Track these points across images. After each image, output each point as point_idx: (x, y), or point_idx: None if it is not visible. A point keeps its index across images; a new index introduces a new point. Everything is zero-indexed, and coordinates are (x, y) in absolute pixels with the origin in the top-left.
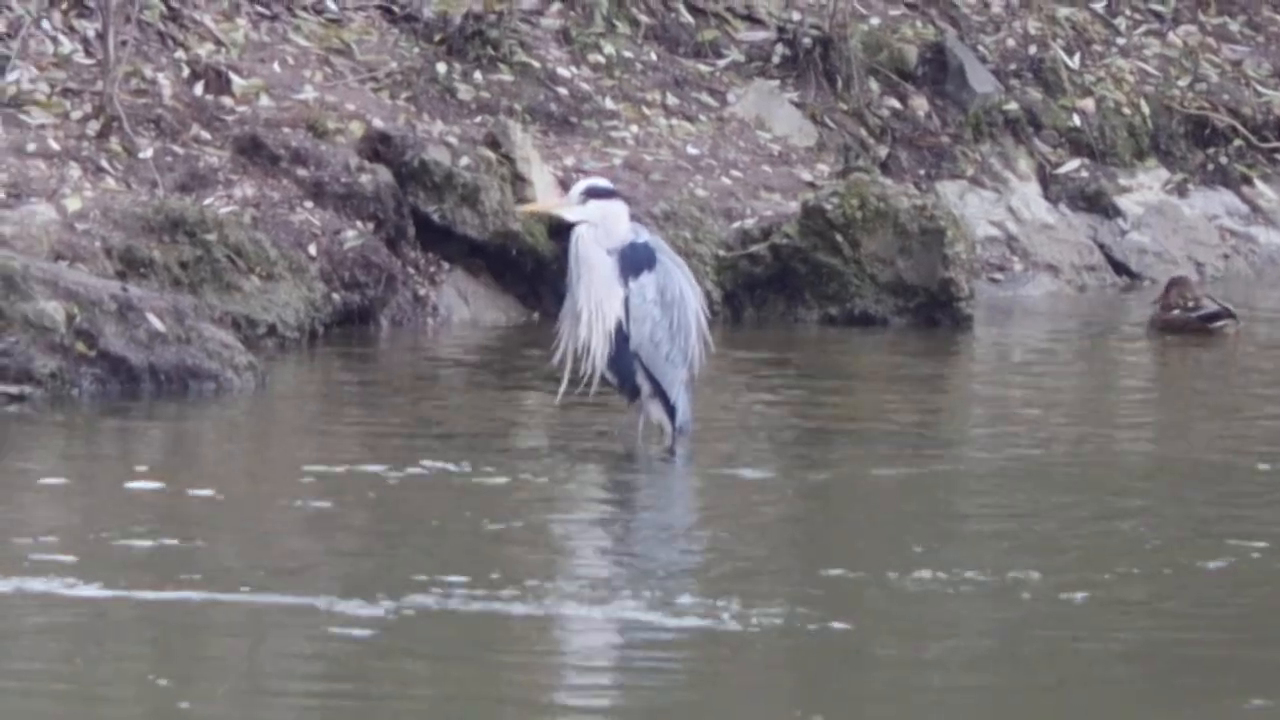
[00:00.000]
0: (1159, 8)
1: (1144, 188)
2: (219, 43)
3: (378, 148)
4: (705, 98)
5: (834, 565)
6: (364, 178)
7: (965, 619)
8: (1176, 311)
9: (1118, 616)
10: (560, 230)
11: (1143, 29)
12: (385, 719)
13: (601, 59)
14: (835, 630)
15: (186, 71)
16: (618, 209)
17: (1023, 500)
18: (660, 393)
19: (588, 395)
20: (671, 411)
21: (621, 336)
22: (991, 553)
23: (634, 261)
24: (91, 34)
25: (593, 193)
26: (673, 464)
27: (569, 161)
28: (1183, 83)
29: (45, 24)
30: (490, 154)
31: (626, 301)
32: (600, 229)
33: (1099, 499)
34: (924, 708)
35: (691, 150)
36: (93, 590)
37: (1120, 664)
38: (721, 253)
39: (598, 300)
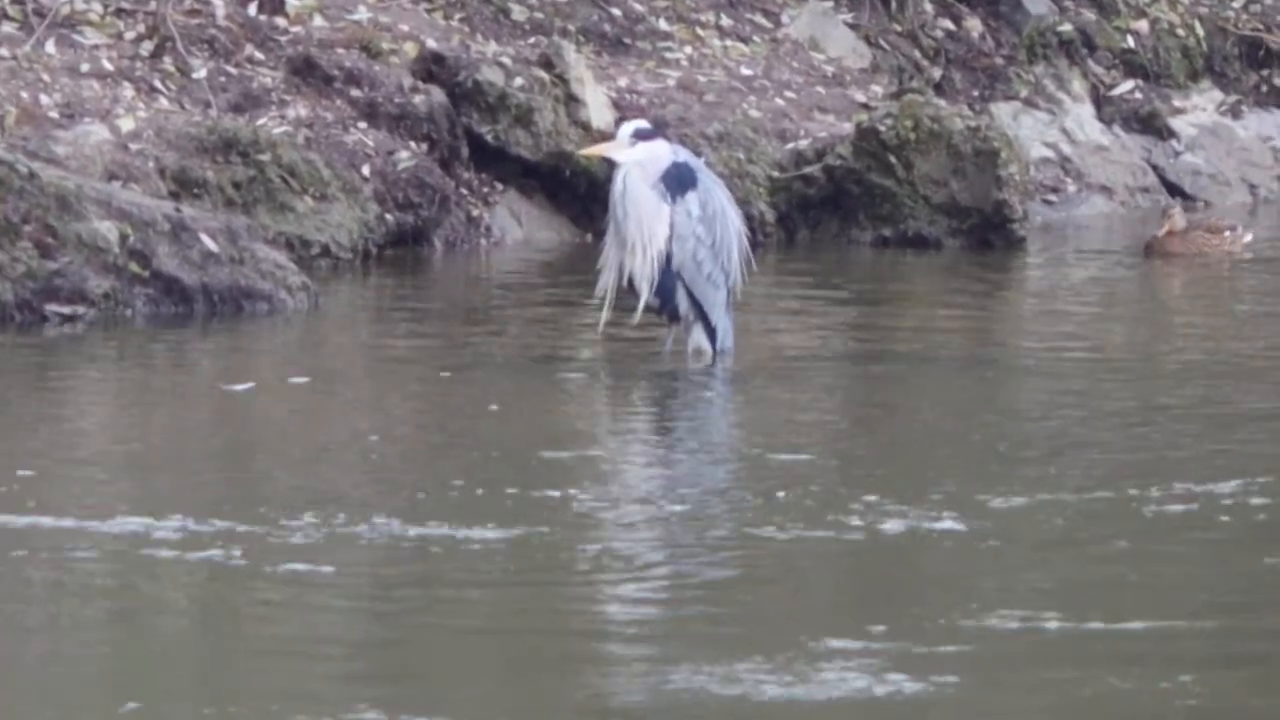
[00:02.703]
0: None
1: (1197, 109)
2: None
3: (431, 68)
4: (759, 19)
5: (872, 487)
6: (417, 98)
7: (1003, 535)
8: (1229, 233)
9: (1163, 536)
10: None
11: None
12: (425, 639)
13: None
14: (881, 544)
15: None
16: (660, 148)
17: (1075, 422)
18: (702, 315)
19: (631, 322)
20: (713, 334)
21: (664, 257)
22: (1035, 474)
23: (678, 180)
24: None
25: (640, 134)
26: (718, 385)
27: (622, 82)
28: (1237, 3)
29: None
30: (544, 75)
31: (671, 220)
32: (646, 166)
33: (1155, 423)
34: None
35: (745, 71)
36: (139, 522)
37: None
38: (775, 174)
39: (649, 228)
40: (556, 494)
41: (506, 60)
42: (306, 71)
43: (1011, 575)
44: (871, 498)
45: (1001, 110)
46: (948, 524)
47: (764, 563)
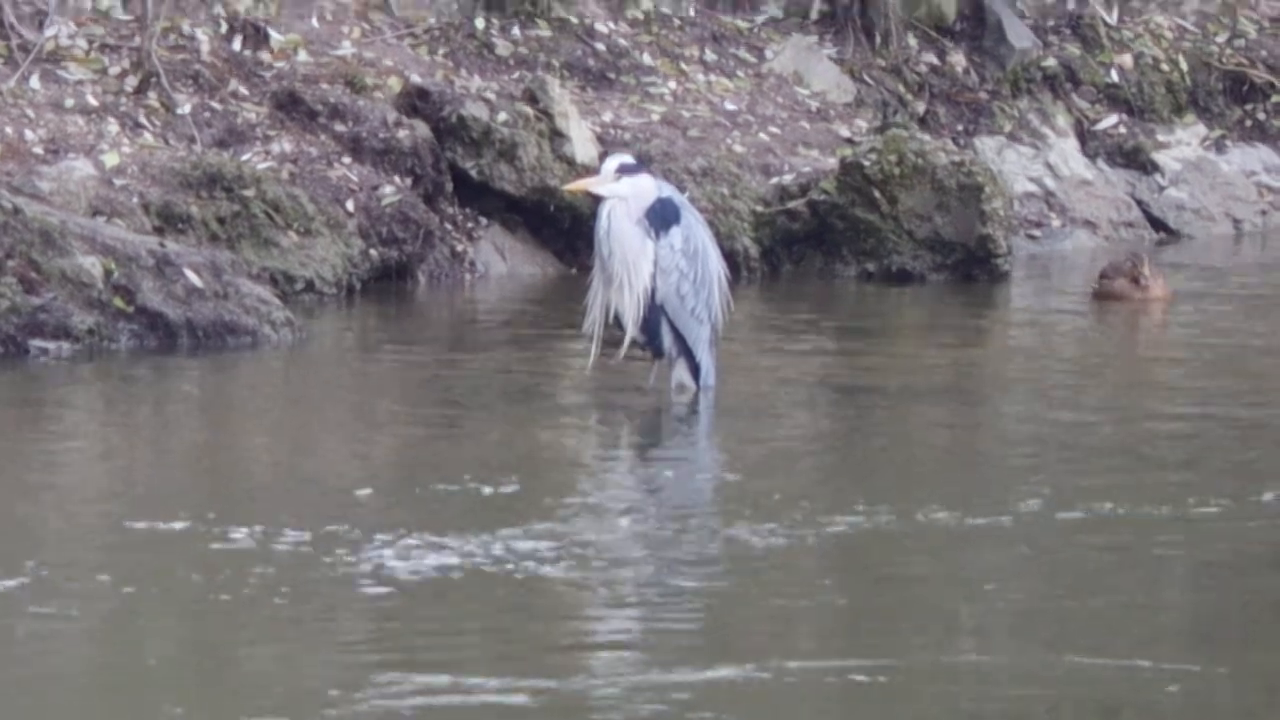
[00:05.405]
0: None
1: (1182, 144)
2: None
3: (416, 103)
4: (743, 53)
5: (854, 509)
6: (402, 133)
7: (970, 555)
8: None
9: (1130, 561)
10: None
11: None
12: (433, 651)
13: (639, 14)
14: (855, 569)
15: (224, 26)
16: (645, 183)
17: (1054, 456)
18: (686, 350)
19: (619, 359)
20: (696, 370)
21: (649, 293)
22: (1015, 497)
23: (662, 216)
24: None
25: (624, 169)
26: (700, 418)
27: (607, 117)
28: (1221, 38)
29: None
30: (528, 109)
31: (655, 256)
32: (631, 202)
33: (1134, 459)
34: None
35: (729, 106)
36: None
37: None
38: (759, 209)
39: (634, 264)
40: (533, 525)
41: (491, 95)
42: (291, 106)
43: (982, 603)
44: (848, 529)
45: (986, 145)
46: (925, 556)
47: (735, 589)
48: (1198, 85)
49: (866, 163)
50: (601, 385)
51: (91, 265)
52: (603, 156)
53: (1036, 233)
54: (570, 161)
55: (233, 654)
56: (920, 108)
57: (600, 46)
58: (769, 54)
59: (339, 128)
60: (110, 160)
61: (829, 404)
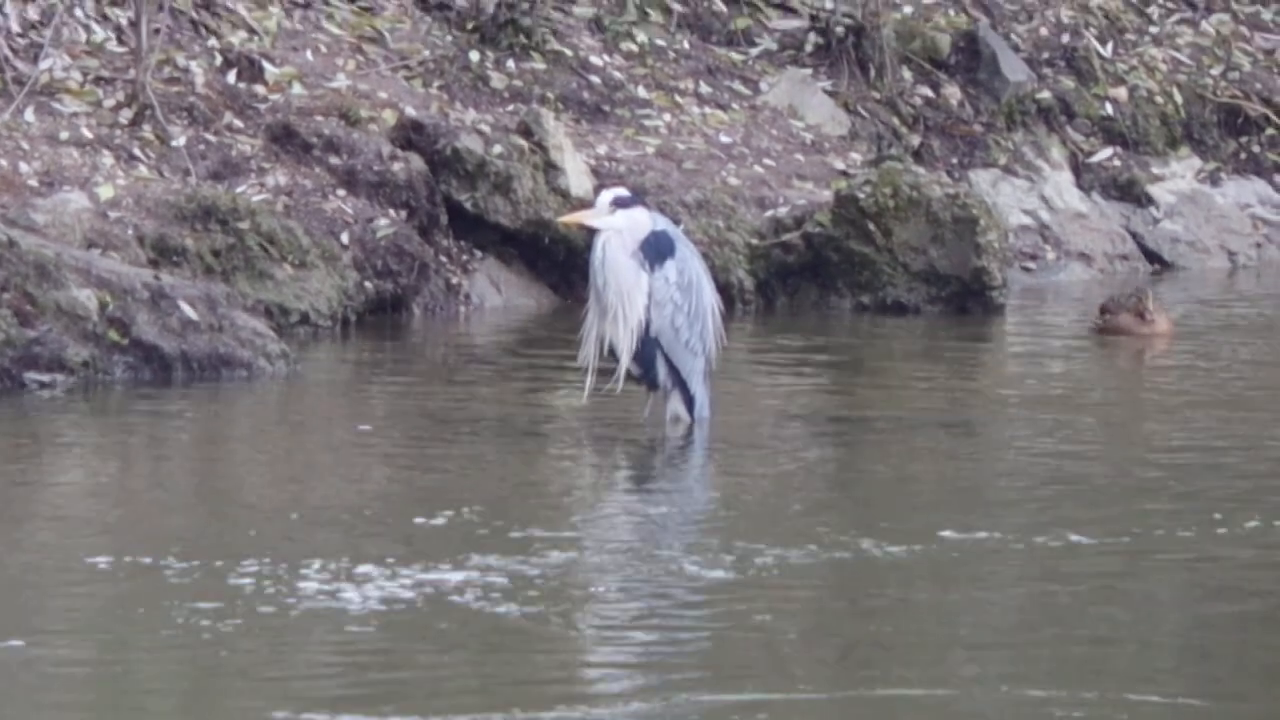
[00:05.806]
0: None
1: (1176, 176)
2: (251, 31)
3: (410, 136)
4: (738, 86)
5: (846, 541)
6: (396, 166)
7: (959, 579)
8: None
9: (1119, 593)
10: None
11: (1175, 17)
12: (430, 676)
13: (634, 47)
14: (850, 595)
15: (219, 59)
16: (640, 216)
17: (1048, 488)
18: (680, 382)
19: (614, 391)
20: (690, 402)
21: (644, 325)
22: (1004, 528)
23: (657, 249)
24: (124, 22)
25: (619, 202)
26: (694, 450)
27: (601, 150)
28: (1215, 71)
29: (78, 12)
30: (523, 142)
31: (650, 288)
32: (626, 235)
33: (1128, 494)
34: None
35: (724, 139)
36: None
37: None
38: (754, 241)
39: (628, 296)
40: (520, 558)
41: (485, 128)
42: (285, 139)
43: (963, 634)
44: (839, 559)
45: (980, 177)
46: (914, 587)
47: (722, 620)
48: (1192, 118)
49: (861, 195)
50: (596, 417)
51: (86, 298)
52: (598, 189)
53: (1031, 265)
54: (565, 194)
55: (195, 688)
56: (915, 141)
57: (595, 79)
58: (764, 87)
59: (334, 160)
60: (105, 193)
61: (823, 436)
